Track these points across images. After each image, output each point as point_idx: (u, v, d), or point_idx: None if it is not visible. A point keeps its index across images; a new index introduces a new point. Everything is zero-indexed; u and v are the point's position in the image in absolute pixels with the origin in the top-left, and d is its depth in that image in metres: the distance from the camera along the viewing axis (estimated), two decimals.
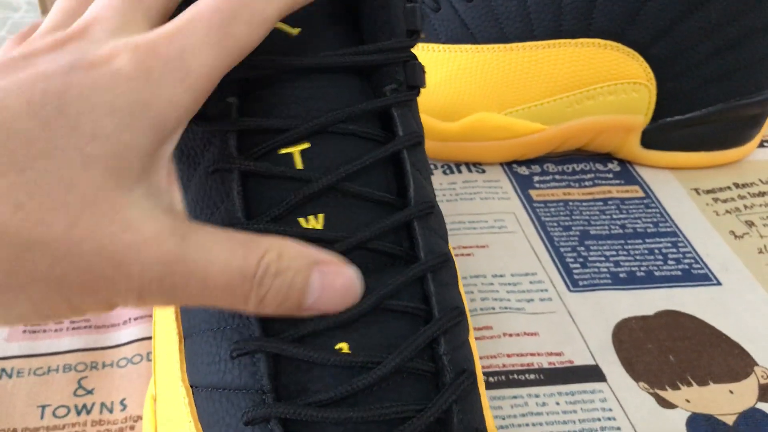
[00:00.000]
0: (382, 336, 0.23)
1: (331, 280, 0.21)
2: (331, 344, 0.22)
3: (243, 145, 0.24)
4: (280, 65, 0.25)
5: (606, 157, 0.47)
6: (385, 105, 0.25)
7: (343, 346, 0.22)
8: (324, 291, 0.21)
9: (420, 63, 0.27)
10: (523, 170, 0.46)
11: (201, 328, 0.24)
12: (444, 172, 0.45)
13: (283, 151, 0.24)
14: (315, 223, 0.24)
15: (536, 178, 0.45)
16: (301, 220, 0.24)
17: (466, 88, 0.43)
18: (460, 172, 0.46)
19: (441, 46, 0.43)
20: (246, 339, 0.23)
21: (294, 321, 0.23)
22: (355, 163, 0.24)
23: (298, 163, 0.24)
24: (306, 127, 0.24)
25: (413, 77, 0.27)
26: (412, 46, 0.27)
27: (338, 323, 0.22)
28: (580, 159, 0.47)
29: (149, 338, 0.33)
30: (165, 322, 0.27)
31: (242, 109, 0.25)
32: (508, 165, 0.46)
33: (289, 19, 0.25)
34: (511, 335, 0.35)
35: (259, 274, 0.20)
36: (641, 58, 0.42)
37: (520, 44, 0.42)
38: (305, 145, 0.24)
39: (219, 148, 0.24)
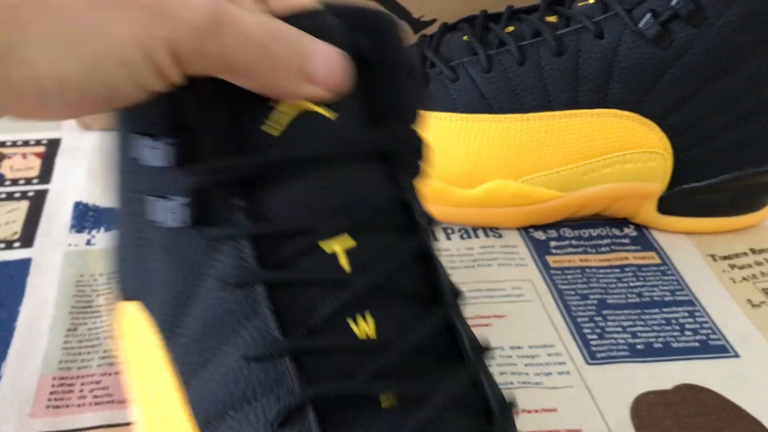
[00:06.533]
0: None
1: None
2: None
3: (260, 252, 0.23)
4: (276, 159, 0.23)
5: (622, 222, 0.48)
6: (403, 195, 0.25)
7: None
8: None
9: (424, 140, 0.27)
10: (540, 235, 0.46)
11: (225, 407, 0.23)
12: (461, 237, 0.46)
13: (319, 251, 0.23)
14: (365, 326, 0.22)
15: (553, 244, 0.46)
16: (351, 324, 0.22)
17: (484, 156, 0.43)
18: (477, 236, 0.46)
19: (459, 115, 0.43)
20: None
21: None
22: (392, 260, 0.23)
23: (346, 264, 0.23)
24: (332, 226, 0.23)
25: (420, 156, 0.27)
26: (416, 125, 0.27)
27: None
28: (597, 224, 0.47)
29: None
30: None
31: (251, 212, 0.23)
32: (525, 229, 0.47)
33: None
34: (530, 412, 0.35)
35: None
36: (657, 128, 0.42)
37: (537, 114, 0.42)
38: (341, 245, 0.23)
39: (232, 258, 0.23)
